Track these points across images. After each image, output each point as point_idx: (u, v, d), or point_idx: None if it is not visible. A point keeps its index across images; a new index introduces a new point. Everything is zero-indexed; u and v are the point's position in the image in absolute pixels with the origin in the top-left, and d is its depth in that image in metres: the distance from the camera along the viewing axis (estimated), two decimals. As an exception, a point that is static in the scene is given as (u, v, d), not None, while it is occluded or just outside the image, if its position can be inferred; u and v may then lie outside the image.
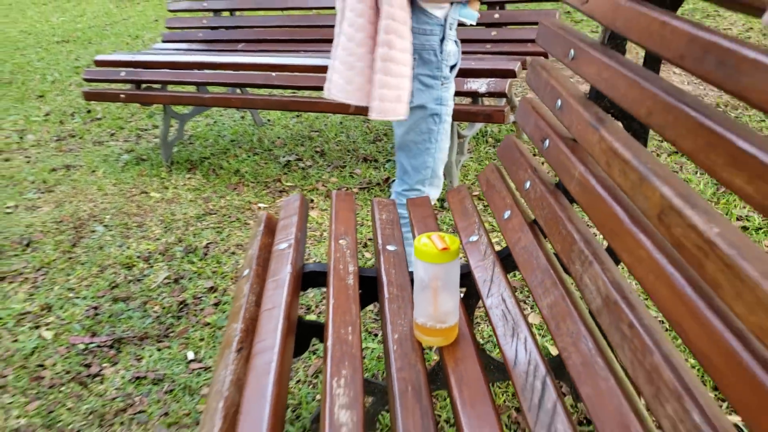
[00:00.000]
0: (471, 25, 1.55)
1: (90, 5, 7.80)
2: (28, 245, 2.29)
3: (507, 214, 1.12)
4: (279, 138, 3.09)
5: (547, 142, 1.07)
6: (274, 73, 2.35)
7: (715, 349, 0.58)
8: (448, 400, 1.40)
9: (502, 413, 1.37)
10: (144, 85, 2.66)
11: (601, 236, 0.92)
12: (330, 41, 2.64)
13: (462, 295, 1.19)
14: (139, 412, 1.48)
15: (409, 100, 1.42)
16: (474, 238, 1.13)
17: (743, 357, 0.54)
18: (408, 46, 1.38)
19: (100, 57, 2.72)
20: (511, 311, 0.93)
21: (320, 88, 2.29)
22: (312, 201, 2.42)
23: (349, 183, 2.52)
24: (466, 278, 1.09)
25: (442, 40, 1.43)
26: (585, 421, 1.33)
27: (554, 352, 1.51)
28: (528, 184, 1.10)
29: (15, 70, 5.00)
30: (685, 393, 0.61)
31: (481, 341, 1.59)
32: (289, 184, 2.58)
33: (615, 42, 1.01)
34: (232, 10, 2.98)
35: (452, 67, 1.51)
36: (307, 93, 2.66)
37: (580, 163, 0.94)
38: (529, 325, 0.89)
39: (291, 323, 0.96)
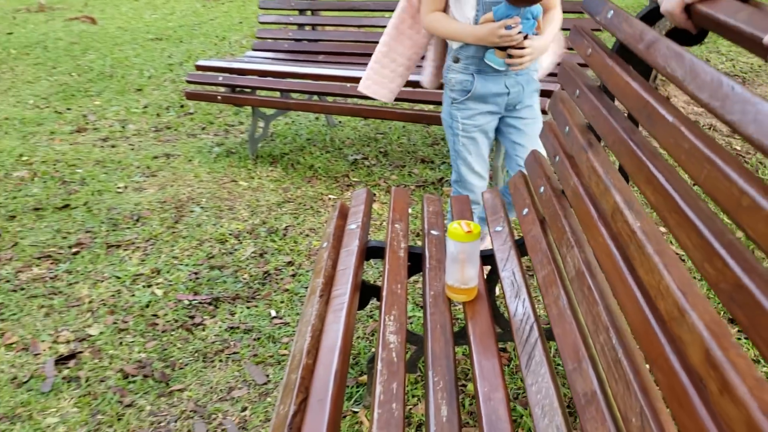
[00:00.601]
0: (502, 70, 1.85)
1: (179, 3, 8.40)
2: (137, 220, 2.75)
3: (525, 211, 1.47)
4: (348, 138, 3.49)
5: (557, 157, 1.42)
6: (348, 84, 2.74)
7: (629, 301, 0.92)
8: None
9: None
10: (237, 89, 3.09)
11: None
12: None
13: (487, 272, 1.54)
14: (234, 353, 1.89)
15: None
16: (499, 228, 1.48)
17: (642, 305, 0.88)
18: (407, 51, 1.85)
19: (201, 62, 3.16)
20: (517, 281, 1.28)
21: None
22: (374, 195, 2.80)
23: (407, 181, 2.89)
24: (490, 259, 1.44)
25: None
26: (557, 354, 1.66)
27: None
28: (542, 189, 1.44)
29: (115, 64, 5.57)
30: (612, 328, 0.95)
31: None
32: (355, 179, 2.97)
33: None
34: (314, 25, 3.39)
35: (467, 93, 1.85)
36: (375, 102, 3.02)
37: (575, 175, 1.28)
38: (529, 291, 1.24)
39: (357, 281, 1.34)
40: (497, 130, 1.97)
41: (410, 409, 1.65)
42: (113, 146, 3.69)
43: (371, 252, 1.49)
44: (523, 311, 1.18)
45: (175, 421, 1.65)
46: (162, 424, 1.64)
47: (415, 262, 1.46)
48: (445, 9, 1.84)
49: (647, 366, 0.85)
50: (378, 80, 2.03)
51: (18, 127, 4.16)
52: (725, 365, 0.61)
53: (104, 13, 8.19)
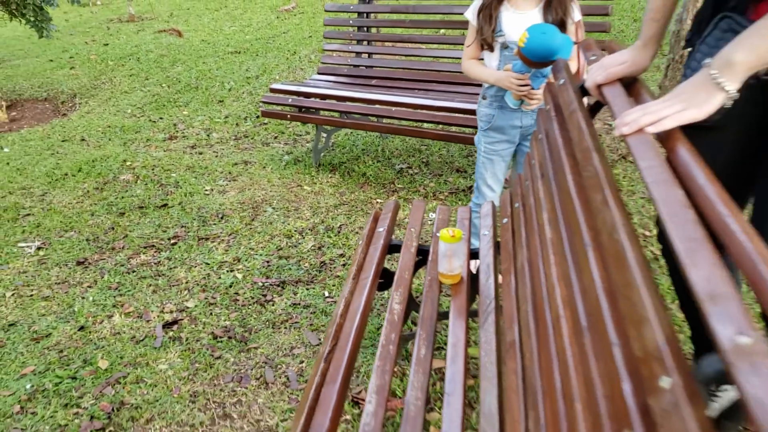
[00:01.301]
0: (516, 108, 2.38)
1: (255, 14, 9.14)
2: (222, 218, 3.39)
3: (505, 220, 2.00)
4: (397, 149, 4.06)
5: (527, 182, 1.94)
6: (393, 108, 3.30)
7: (549, 281, 1.45)
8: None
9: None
10: (303, 109, 3.70)
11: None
12: (439, 83, 3.57)
13: (477, 265, 2.08)
14: (295, 323, 2.49)
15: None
16: (486, 232, 2.02)
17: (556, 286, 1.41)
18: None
19: (275, 86, 3.78)
20: (489, 271, 1.82)
21: (424, 121, 3.23)
22: (402, 203, 3.36)
23: (443, 188, 3.44)
24: (477, 255, 1.98)
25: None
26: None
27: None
28: (516, 205, 1.97)
29: (199, 76, 6.30)
30: (532, 300, 1.49)
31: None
32: (400, 186, 3.54)
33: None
34: (370, 53, 3.97)
35: (490, 123, 2.38)
36: (418, 123, 3.58)
37: (531, 196, 1.81)
38: (496, 278, 1.78)
39: (379, 269, 1.90)
40: (515, 153, 2.50)
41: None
42: (200, 153, 4.37)
43: (392, 248, 2.05)
44: (488, 290, 1.73)
45: (252, 369, 2.26)
46: (242, 371, 2.26)
47: (424, 256, 2.02)
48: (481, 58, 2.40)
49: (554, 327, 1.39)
50: None
51: (119, 134, 4.91)
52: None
53: (188, 24, 9.01)
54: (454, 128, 3.30)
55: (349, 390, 2.14)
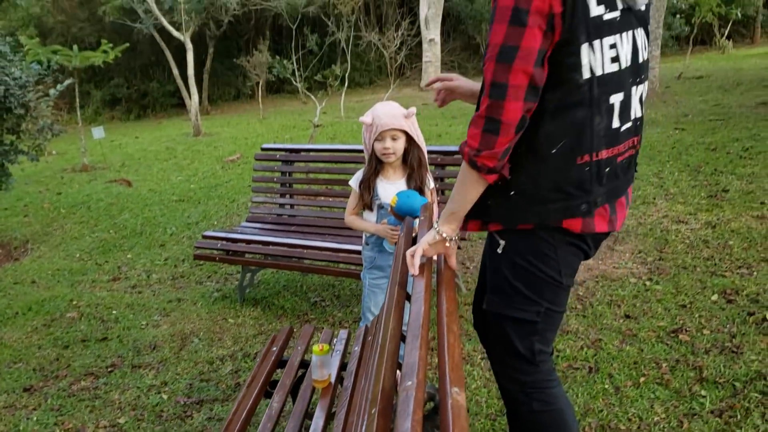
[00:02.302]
0: (392, 252, 3.04)
1: (202, 165, 9.95)
2: (154, 348, 3.89)
3: (356, 348, 2.59)
4: (314, 284, 4.67)
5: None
6: (304, 251, 3.95)
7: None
8: None
9: None
10: (231, 252, 4.32)
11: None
12: (341, 229, 4.25)
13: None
14: (209, 432, 2.97)
15: None
16: (356, 349, 2.60)
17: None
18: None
19: (206, 233, 4.41)
20: (351, 375, 2.38)
21: (335, 261, 3.87)
22: (323, 328, 3.92)
23: (349, 317, 4.03)
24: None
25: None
26: None
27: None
28: (369, 338, 2.57)
29: (144, 222, 6.92)
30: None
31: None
32: (312, 316, 4.12)
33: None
34: (292, 205, 4.68)
35: (372, 263, 3.02)
36: (322, 264, 4.21)
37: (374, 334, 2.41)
38: (356, 382, 2.34)
39: (268, 378, 2.44)
40: None
41: None
42: (140, 292, 4.90)
43: (281, 364, 2.61)
44: (345, 392, 2.29)
45: (169, 471, 2.71)
46: (160, 473, 2.71)
47: (306, 368, 2.58)
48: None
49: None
50: None
51: (67, 276, 5.42)
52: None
53: (138, 174, 9.75)
54: (353, 266, 3.95)
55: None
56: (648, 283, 3.98)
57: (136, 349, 3.88)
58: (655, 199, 5.64)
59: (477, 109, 1.56)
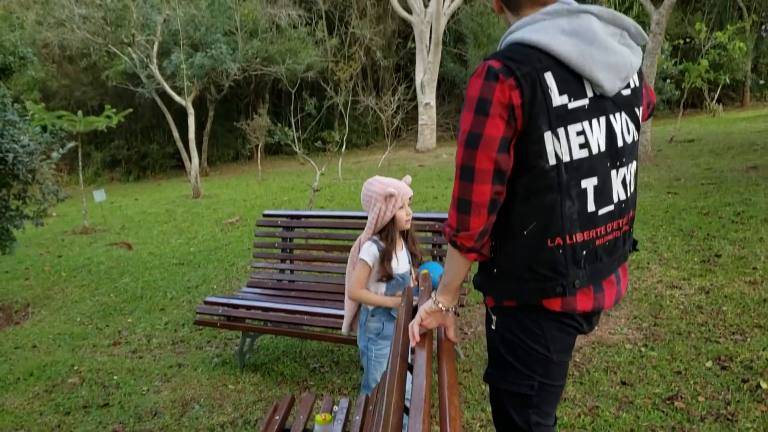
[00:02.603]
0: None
1: (201, 228, 10.06)
2: (155, 414, 3.91)
3: (357, 417, 2.64)
4: (312, 350, 4.72)
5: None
6: (305, 317, 4.02)
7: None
8: None
9: None
10: (232, 318, 4.38)
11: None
12: (339, 294, 4.32)
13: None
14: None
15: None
16: (357, 418, 2.65)
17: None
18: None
19: (208, 299, 4.48)
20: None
21: (333, 328, 3.93)
22: (323, 395, 3.96)
23: (348, 384, 4.07)
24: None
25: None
26: None
27: None
28: (370, 407, 2.63)
29: (145, 286, 6.98)
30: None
31: None
32: (311, 383, 4.15)
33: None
34: (292, 270, 4.77)
35: (379, 334, 3.09)
36: (323, 330, 4.27)
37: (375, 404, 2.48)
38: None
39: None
40: None
41: None
42: (140, 357, 4.94)
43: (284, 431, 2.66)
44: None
45: None
46: None
47: (308, 437, 2.63)
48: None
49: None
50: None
51: (68, 341, 5.45)
52: None
53: (138, 237, 9.84)
54: (351, 333, 4.01)
55: None
56: (643, 349, 4.04)
57: (138, 415, 3.90)
58: (649, 263, 5.74)
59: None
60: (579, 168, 1.63)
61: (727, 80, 17.92)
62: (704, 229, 6.61)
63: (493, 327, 1.84)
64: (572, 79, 1.60)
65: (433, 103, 19.88)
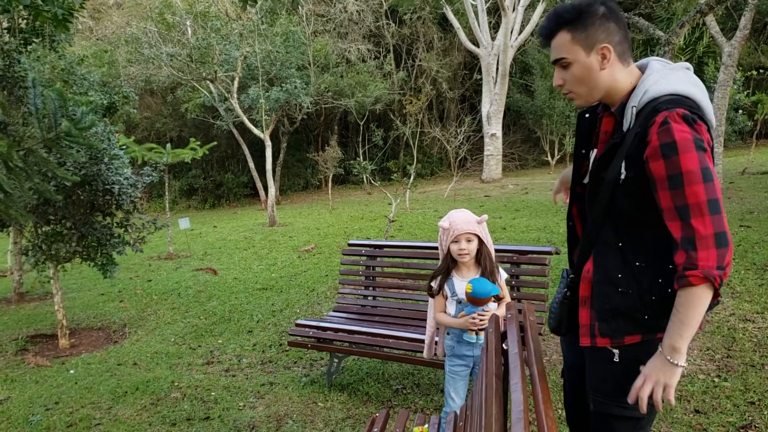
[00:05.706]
0: (473, 342, 3.39)
1: (279, 254, 10.53)
2: (252, 428, 4.25)
3: None
4: (394, 372, 5.01)
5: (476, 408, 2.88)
6: (390, 339, 4.32)
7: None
8: None
9: None
10: (321, 340, 4.72)
11: None
12: (420, 320, 4.61)
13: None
14: (311, 506, 3.28)
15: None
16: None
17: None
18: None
19: (300, 321, 4.84)
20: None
21: (414, 351, 4.21)
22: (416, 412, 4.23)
23: (429, 405, 4.33)
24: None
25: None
26: None
27: None
28: (461, 423, 2.89)
29: (232, 309, 7.43)
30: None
31: None
32: (395, 403, 4.43)
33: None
34: (375, 296, 5.10)
35: (452, 351, 3.36)
36: (408, 353, 4.56)
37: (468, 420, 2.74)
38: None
39: (373, 456, 2.78)
40: (471, 374, 3.45)
41: None
42: (234, 375, 5.32)
43: (382, 441, 2.95)
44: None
45: None
46: None
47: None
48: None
49: None
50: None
51: (165, 359, 5.90)
52: None
53: (221, 263, 10.38)
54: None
55: None
56: (717, 379, 4.17)
57: (237, 428, 4.26)
58: (722, 297, 5.82)
59: (684, 233, 1.78)
60: None
61: (802, 110, 17.51)
62: (779, 263, 6.62)
63: (616, 360, 2.07)
64: None
65: (499, 133, 20.11)
